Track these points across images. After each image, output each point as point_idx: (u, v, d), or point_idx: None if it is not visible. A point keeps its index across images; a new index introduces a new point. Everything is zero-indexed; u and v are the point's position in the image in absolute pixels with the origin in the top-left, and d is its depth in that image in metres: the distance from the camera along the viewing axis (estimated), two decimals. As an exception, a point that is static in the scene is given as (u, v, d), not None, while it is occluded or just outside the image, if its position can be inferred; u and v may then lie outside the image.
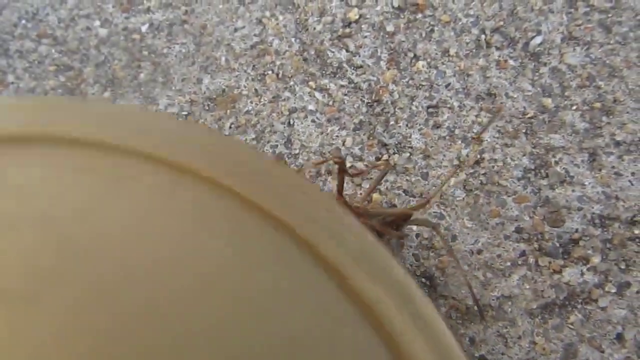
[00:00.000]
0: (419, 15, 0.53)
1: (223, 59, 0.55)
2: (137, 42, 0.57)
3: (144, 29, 0.56)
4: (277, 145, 0.51)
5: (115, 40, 0.57)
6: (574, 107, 0.49)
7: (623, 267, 0.44)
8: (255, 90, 0.53)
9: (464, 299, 0.45)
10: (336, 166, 0.41)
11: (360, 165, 0.49)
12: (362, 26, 0.53)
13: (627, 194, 0.46)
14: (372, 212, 0.42)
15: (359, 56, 0.53)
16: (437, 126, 0.50)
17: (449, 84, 0.51)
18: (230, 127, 0.52)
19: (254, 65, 0.54)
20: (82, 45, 0.58)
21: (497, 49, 0.51)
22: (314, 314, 0.21)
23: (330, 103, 0.52)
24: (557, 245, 0.45)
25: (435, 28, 0.53)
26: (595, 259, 0.45)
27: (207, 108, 0.53)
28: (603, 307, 0.44)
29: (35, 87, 0.57)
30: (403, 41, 0.53)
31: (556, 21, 0.51)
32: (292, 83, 0.53)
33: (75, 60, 0.57)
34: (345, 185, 0.47)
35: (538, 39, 0.51)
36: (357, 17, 0.53)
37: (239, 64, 0.54)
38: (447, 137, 0.49)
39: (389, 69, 0.52)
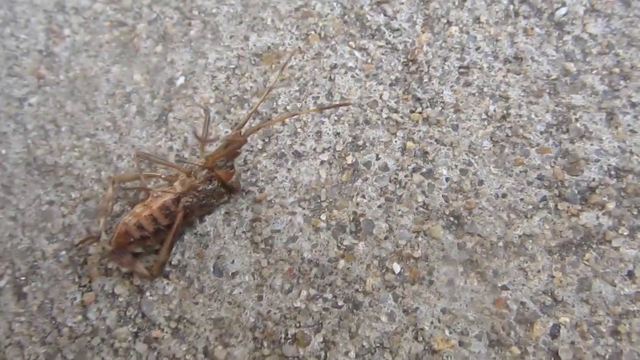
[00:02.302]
0: (454, -16, 0.61)
1: (269, 19, 0.63)
2: (188, 2, 0.65)
3: (196, -11, 0.64)
4: (318, 97, 0.59)
5: (167, 0, 0.66)
6: (594, 72, 0.57)
7: (635, 213, 0.52)
8: (299, 47, 0.61)
9: (488, 236, 0.52)
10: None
11: (395, 116, 0.57)
12: (401, -8, 0.61)
13: (640, 149, 0.53)
14: (214, 154, 0.51)
15: (396, 20, 0.61)
16: (467, 84, 0.58)
17: (479, 48, 0.59)
18: (275, 80, 0.60)
19: (297, 26, 0.62)
20: (135, 4, 0.66)
21: (525, 17, 0.59)
22: None
23: (369, 61, 0.60)
24: (576, 192, 0.53)
25: (468, -4, 0.61)
26: (610, 205, 0.52)
27: (253, 62, 0.61)
28: (616, 247, 0.51)
29: (90, 40, 0.65)
30: (437, 8, 0.61)
31: (580, -6, 0.59)
32: (333, 42, 0.61)
33: (129, 17, 0.66)
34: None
35: (563, 10, 0.59)
36: (396, -16, 0.62)
37: (284, 24, 0.62)
38: (477, 94, 0.57)
39: (423, 32, 0.60)
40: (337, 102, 0.57)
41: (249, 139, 0.53)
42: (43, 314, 0.54)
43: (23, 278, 0.55)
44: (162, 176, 0.54)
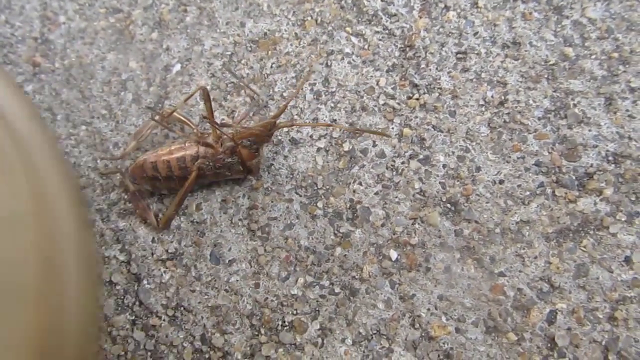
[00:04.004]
0: (451, -31, 0.60)
1: (265, 5, 0.62)
2: (184, -12, 0.64)
3: (192, -25, 0.63)
4: (315, 84, 0.58)
5: (163, -14, 0.64)
6: (593, 57, 0.56)
7: (633, 199, 0.51)
8: (295, 34, 0.60)
9: (485, 223, 0.52)
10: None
11: (392, 102, 0.56)
12: (398, -23, 0.60)
13: (639, 135, 0.53)
14: (243, 132, 0.51)
15: (393, 5, 0.60)
16: (465, 70, 0.57)
17: (477, 33, 0.58)
18: (271, 67, 0.59)
19: (294, 12, 0.61)
20: (130, -9, 0.65)
21: (523, 2, 0.58)
22: None
23: (366, 47, 0.59)
24: (573, 178, 0.52)
25: (466, -19, 0.59)
26: (608, 191, 0.51)
27: (249, 49, 0.60)
28: (613, 233, 0.50)
29: (86, 27, 0.64)
30: (435, -7, 0.60)
31: (579, -23, 0.58)
32: (329, 28, 0.60)
33: (124, 4, 0.65)
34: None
35: (561, -6, 0.58)
36: (393, -32, 0.60)
37: (280, 10, 0.61)
38: (474, 80, 0.56)
39: (421, 17, 0.59)
40: (376, 130, 0.56)
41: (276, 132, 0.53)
42: (41, 302, 0.53)
43: (21, 266, 0.54)
44: (195, 130, 0.53)
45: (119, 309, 0.53)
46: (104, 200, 0.56)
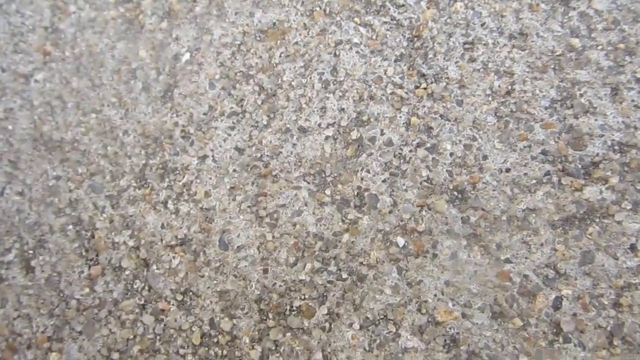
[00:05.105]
0: (459, -40, 0.60)
1: (274, -5, 0.62)
2: (193, -21, 0.65)
3: (201, -35, 0.64)
4: (323, 73, 0.58)
5: (172, -24, 0.65)
6: (600, 47, 0.56)
7: (639, 187, 0.51)
8: (304, 24, 0.61)
9: (492, 210, 0.52)
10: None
11: (400, 92, 0.57)
12: (406, -32, 0.61)
13: (645, 124, 0.53)
14: None
15: (402, -4, 0.60)
16: (472, 60, 0.57)
17: (484, 24, 0.58)
18: (280, 56, 0.60)
19: (302, 2, 0.62)
20: (140, -19, 0.66)
21: (530, -7, 0.59)
22: None
23: (374, 37, 0.59)
24: (579, 166, 0.52)
25: (474, -28, 0.60)
26: (614, 180, 0.52)
27: (258, 39, 0.61)
28: (619, 221, 0.51)
29: (96, 17, 0.64)
30: (443, -16, 0.60)
31: (586, -31, 0.59)
32: (338, 19, 0.60)
33: (134, -6, 0.65)
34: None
35: (568, -14, 0.58)
36: (401, -41, 0.61)
37: (289, 0, 0.62)
38: (481, 70, 0.57)
39: (429, 8, 0.59)
40: None
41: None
42: (51, 287, 0.54)
43: (31, 252, 0.55)
44: None
45: (129, 293, 0.53)
46: (113, 187, 0.57)
